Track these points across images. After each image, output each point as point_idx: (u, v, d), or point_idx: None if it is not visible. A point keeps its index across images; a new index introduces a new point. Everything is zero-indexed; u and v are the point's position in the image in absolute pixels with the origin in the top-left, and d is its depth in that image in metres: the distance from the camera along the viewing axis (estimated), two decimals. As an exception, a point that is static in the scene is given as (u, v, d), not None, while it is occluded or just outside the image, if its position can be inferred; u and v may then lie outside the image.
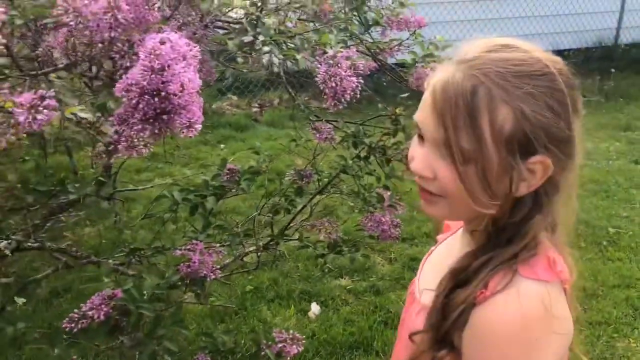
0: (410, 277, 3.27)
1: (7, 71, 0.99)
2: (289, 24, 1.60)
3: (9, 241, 1.75)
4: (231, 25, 1.48)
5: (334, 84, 1.24)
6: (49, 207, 1.47)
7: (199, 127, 0.86)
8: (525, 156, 0.73)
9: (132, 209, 3.35)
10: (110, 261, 1.46)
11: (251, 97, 6.06)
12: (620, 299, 2.93)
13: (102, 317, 1.15)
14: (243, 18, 1.56)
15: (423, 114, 0.78)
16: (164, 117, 0.84)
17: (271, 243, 1.94)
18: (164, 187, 1.81)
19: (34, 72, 1.03)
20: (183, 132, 0.85)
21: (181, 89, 0.82)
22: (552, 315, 0.73)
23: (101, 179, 1.69)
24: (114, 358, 1.23)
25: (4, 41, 0.77)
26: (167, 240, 1.56)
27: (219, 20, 1.60)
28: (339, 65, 1.24)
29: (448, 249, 0.92)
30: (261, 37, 1.31)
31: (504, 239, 0.77)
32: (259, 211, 1.96)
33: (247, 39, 1.37)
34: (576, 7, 6.90)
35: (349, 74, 1.26)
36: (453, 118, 0.72)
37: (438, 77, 0.76)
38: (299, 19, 1.82)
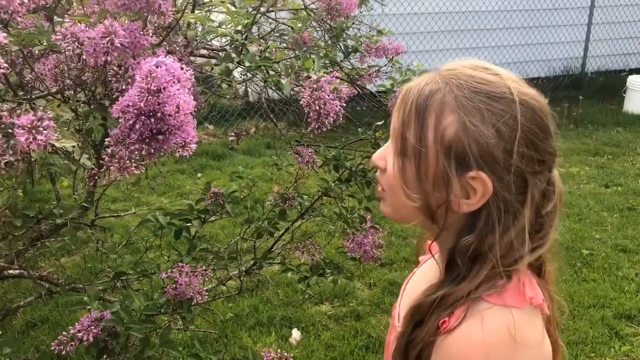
0: (390, 302, 3.31)
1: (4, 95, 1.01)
2: (271, 52, 1.65)
3: (-10, 268, 1.74)
4: (215, 52, 1.53)
5: (317, 107, 1.28)
6: (36, 232, 1.47)
7: (193, 146, 0.89)
8: (462, 170, 0.75)
9: (109, 238, 3.33)
10: (95, 288, 1.46)
11: (228, 126, 6.10)
12: (596, 319, 3.00)
13: (91, 339, 1.16)
14: (227, 45, 1.61)
15: (393, 113, 0.82)
16: (160, 137, 0.87)
17: (254, 267, 1.96)
18: (146, 213, 1.82)
19: (26, 97, 1.05)
20: (178, 152, 0.88)
21: (176, 109, 0.85)
22: (516, 344, 0.72)
23: (84, 204, 1.70)
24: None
25: (6, 65, 0.79)
26: (151, 265, 1.57)
27: (204, 48, 1.64)
28: (322, 89, 1.29)
29: (423, 277, 0.93)
30: (246, 63, 1.36)
31: (457, 276, 0.77)
32: (241, 235, 1.98)
33: (232, 65, 1.41)
34: (544, 37, 7.15)
35: (332, 97, 1.30)
36: (405, 115, 0.77)
37: (411, 82, 0.81)
38: (278, 48, 1.88)
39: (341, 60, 1.81)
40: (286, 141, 2.06)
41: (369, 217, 1.83)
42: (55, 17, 1.46)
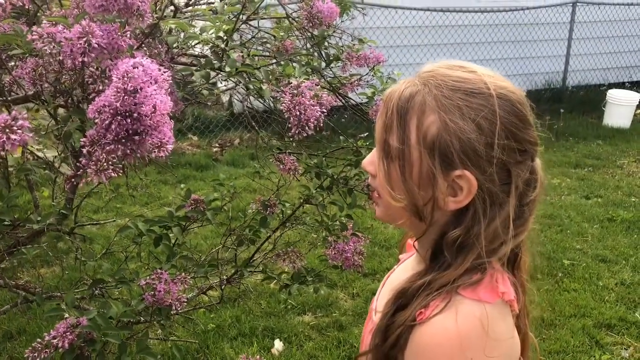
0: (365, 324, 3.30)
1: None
2: (252, 59, 1.65)
3: (-35, 276, 1.70)
4: (197, 58, 1.53)
5: (298, 113, 1.28)
6: (13, 240, 1.45)
7: (170, 147, 0.89)
8: (448, 168, 0.77)
9: (90, 248, 3.29)
10: (72, 295, 1.43)
11: (212, 137, 6.09)
12: (576, 328, 3.01)
13: (66, 346, 1.14)
14: (208, 51, 1.61)
15: (377, 119, 0.85)
16: (136, 137, 0.86)
17: (235, 275, 1.94)
18: (126, 222, 1.80)
19: (3, 99, 1.04)
20: (154, 152, 0.88)
21: (153, 110, 0.84)
22: (488, 337, 0.74)
23: (63, 212, 1.68)
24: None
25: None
26: (130, 273, 1.55)
27: (184, 55, 1.64)
28: (303, 94, 1.29)
29: (405, 269, 0.95)
30: (227, 69, 1.36)
31: (443, 263, 0.79)
32: (222, 243, 1.97)
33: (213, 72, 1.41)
34: (526, 51, 7.26)
35: (313, 103, 1.31)
36: (388, 118, 0.80)
37: (391, 87, 0.84)
38: (260, 55, 1.88)
39: (323, 69, 1.81)
40: (269, 150, 2.06)
41: (350, 224, 1.83)
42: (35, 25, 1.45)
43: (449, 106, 0.77)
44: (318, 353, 2.79)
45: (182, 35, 1.50)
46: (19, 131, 0.80)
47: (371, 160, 0.86)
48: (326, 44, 1.77)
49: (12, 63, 1.41)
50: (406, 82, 0.82)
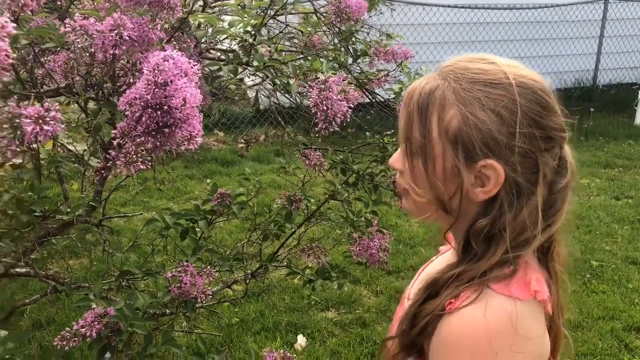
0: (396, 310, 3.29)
1: (12, 87, 1.02)
2: (280, 54, 1.66)
3: (-3, 266, 1.74)
4: (225, 53, 1.53)
5: (325, 107, 1.28)
6: (43, 230, 1.47)
7: (199, 140, 0.89)
8: (471, 160, 0.77)
9: (117, 241, 3.34)
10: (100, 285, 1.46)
11: (237, 133, 6.12)
12: (605, 331, 2.96)
13: (94, 335, 1.15)
14: (235, 46, 1.62)
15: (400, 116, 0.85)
16: (166, 130, 0.87)
17: (260, 270, 1.95)
18: (153, 214, 1.82)
19: (35, 91, 1.06)
20: (184, 145, 0.88)
21: (183, 103, 0.85)
22: (517, 334, 0.73)
23: (92, 204, 1.71)
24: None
25: (14, 55, 0.80)
26: (156, 265, 1.57)
27: (212, 49, 1.65)
28: (330, 89, 1.29)
29: (441, 261, 0.96)
30: (255, 63, 1.36)
31: (474, 255, 0.79)
32: (247, 237, 1.98)
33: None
34: (555, 49, 7.13)
35: (340, 98, 1.30)
36: (410, 114, 0.80)
37: (412, 84, 0.84)
38: (287, 50, 1.89)
39: (350, 64, 1.81)
40: (294, 145, 2.06)
41: (375, 221, 1.82)
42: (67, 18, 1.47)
43: (468, 99, 0.77)
44: (341, 349, 2.79)
45: (210, 29, 1.51)
46: (51, 122, 0.81)
47: (397, 158, 0.87)
48: (353, 39, 1.76)
49: (44, 58, 1.44)
50: (427, 78, 0.82)
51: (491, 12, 6.61)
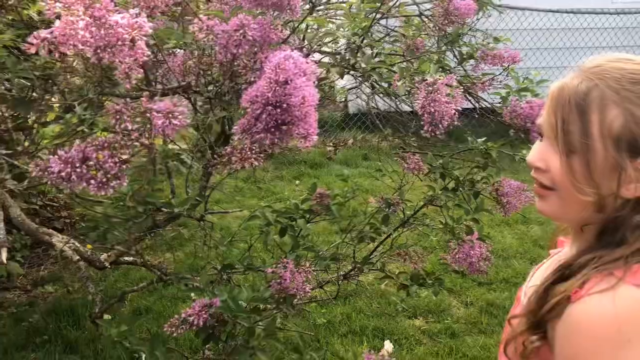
0: (488, 322, 3.18)
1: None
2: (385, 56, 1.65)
3: (109, 253, 1.86)
4: (333, 55, 1.55)
5: (432, 109, 1.26)
6: (152, 221, 1.55)
7: (315, 138, 0.91)
8: (634, 156, 0.79)
9: (213, 236, 3.46)
10: (206, 275, 1.52)
11: (326, 136, 6.18)
12: None
13: (201, 323, 1.20)
14: (341, 49, 1.64)
15: (544, 114, 0.86)
16: (284, 127, 0.89)
17: (353, 271, 1.96)
18: (253, 212, 1.87)
19: (161, 88, 1.12)
20: (301, 142, 0.90)
21: (302, 101, 0.87)
22: None
23: (197, 199, 1.78)
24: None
25: (149, 53, 0.85)
26: (257, 260, 1.60)
27: (318, 52, 1.67)
28: (439, 91, 1.27)
29: (557, 259, 0.96)
30: (362, 65, 1.37)
31: (615, 240, 0.80)
32: (343, 239, 1.99)
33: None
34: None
35: (448, 100, 1.28)
36: (566, 114, 0.81)
37: (558, 82, 0.85)
38: (391, 54, 1.88)
39: (454, 67, 1.78)
40: (392, 148, 2.05)
41: (475, 229, 1.78)
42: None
43: (633, 99, 0.79)
44: (429, 358, 2.74)
45: (317, 32, 1.53)
46: (179, 117, 0.86)
47: (540, 156, 0.86)
48: (460, 41, 1.73)
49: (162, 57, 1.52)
50: (576, 78, 0.83)
51: (600, 17, 6.28)
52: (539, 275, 0.98)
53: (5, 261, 1.55)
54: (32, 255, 3.27)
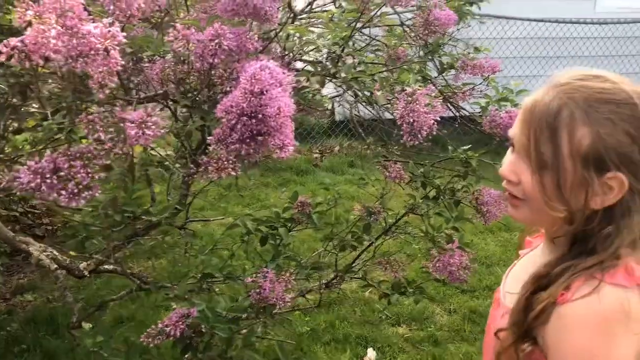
0: (471, 330, 3.19)
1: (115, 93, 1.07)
2: (366, 66, 1.66)
3: (88, 262, 1.84)
4: (313, 64, 1.55)
5: (411, 120, 1.27)
6: (130, 231, 1.54)
7: (291, 149, 0.90)
8: (600, 172, 0.82)
9: (195, 245, 3.44)
10: (184, 285, 1.50)
11: (312, 143, 6.18)
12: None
13: (178, 334, 1.19)
14: (322, 58, 1.64)
15: (515, 127, 0.89)
16: (259, 138, 0.89)
17: (335, 280, 1.95)
18: (234, 220, 1.86)
19: (136, 97, 1.11)
20: (276, 153, 0.90)
21: (278, 112, 0.87)
22: (631, 318, 0.80)
23: (177, 207, 1.77)
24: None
25: (122, 62, 0.84)
26: (237, 269, 1.60)
27: (300, 60, 1.67)
28: (417, 101, 1.27)
29: (530, 261, 1.00)
30: (342, 74, 1.37)
31: (586, 249, 0.85)
32: (324, 247, 1.98)
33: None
34: (646, 65, 6.76)
35: (427, 110, 1.29)
36: (537, 131, 0.84)
37: (531, 97, 0.88)
38: (372, 63, 1.89)
39: (435, 77, 1.79)
40: (374, 157, 2.06)
41: (456, 237, 1.78)
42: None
43: (600, 119, 0.82)
44: (411, 366, 2.74)
45: (298, 41, 1.53)
46: (152, 127, 0.85)
47: (512, 169, 0.90)
48: (440, 51, 1.74)
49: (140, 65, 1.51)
50: (547, 94, 0.86)
51: (578, 27, 6.35)
52: (514, 276, 1.02)
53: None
54: (11, 263, 3.23)
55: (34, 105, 1.65)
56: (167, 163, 1.76)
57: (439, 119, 1.32)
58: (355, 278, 1.98)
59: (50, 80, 1.45)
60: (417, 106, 1.28)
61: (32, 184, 0.80)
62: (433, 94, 1.36)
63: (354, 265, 1.97)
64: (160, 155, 1.91)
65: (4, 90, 1.60)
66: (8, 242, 1.65)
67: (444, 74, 1.77)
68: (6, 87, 1.55)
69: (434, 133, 1.32)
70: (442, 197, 1.79)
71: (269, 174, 5.32)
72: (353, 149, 6.11)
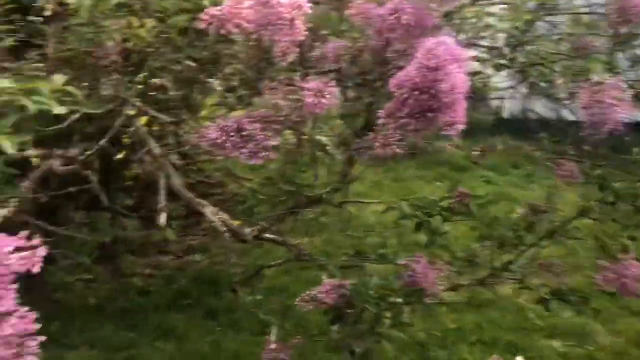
0: (637, 356, 2.89)
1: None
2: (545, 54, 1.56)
3: (253, 228, 1.97)
4: (488, 49, 1.50)
5: (595, 111, 1.17)
6: (295, 201, 1.62)
7: (460, 127, 0.88)
8: None
9: (350, 226, 3.51)
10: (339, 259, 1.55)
11: (474, 139, 5.97)
12: None
13: (330, 302, 1.23)
14: (498, 43, 1.57)
15: None
16: (429, 114, 0.88)
17: (489, 278, 1.87)
18: (388, 205, 1.86)
19: (312, 71, 1.16)
20: (446, 129, 0.89)
21: (451, 88, 0.85)
22: None
23: (338, 185, 1.82)
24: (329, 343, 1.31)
25: (306, 33, 0.88)
26: (390, 251, 1.61)
27: (473, 44, 1.62)
28: (605, 92, 1.17)
29: None
30: (520, 59, 1.30)
31: None
32: (480, 244, 1.91)
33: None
34: None
35: (614, 103, 1.18)
36: None
37: None
38: (554, 53, 1.77)
39: (624, 70, 1.63)
40: (543, 158, 1.93)
41: (632, 248, 1.61)
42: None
43: None
44: (564, 384, 2.56)
45: (476, 22, 1.49)
46: (328, 96, 0.88)
47: None
48: (634, 42, 1.57)
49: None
50: None
51: None
52: None
53: (164, 225, 1.70)
54: (185, 224, 3.56)
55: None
56: (328, 148, 1.83)
57: (626, 116, 1.21)
58: (511, 279, 1.88)
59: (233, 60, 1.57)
60: (604, 97, 1.18)
61: (219, 140, 0.89)
62: (623, 88, 1.24)
63: (512, 264, 1.87)
64: (323, 141, 1.98)
65: (193, 67, 1.77)
66: (187, 202, 1.81)
67: (637, 69, 1.61)
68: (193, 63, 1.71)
69: (621, 129, 1.20)
70: (621, 202, 1.63)
71: (425, 167, 5.24)
72: (519, 150, 5.80)
